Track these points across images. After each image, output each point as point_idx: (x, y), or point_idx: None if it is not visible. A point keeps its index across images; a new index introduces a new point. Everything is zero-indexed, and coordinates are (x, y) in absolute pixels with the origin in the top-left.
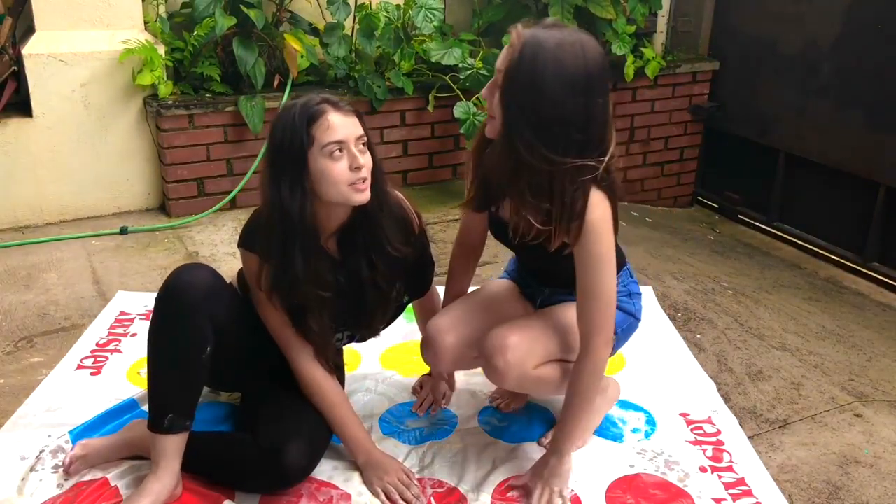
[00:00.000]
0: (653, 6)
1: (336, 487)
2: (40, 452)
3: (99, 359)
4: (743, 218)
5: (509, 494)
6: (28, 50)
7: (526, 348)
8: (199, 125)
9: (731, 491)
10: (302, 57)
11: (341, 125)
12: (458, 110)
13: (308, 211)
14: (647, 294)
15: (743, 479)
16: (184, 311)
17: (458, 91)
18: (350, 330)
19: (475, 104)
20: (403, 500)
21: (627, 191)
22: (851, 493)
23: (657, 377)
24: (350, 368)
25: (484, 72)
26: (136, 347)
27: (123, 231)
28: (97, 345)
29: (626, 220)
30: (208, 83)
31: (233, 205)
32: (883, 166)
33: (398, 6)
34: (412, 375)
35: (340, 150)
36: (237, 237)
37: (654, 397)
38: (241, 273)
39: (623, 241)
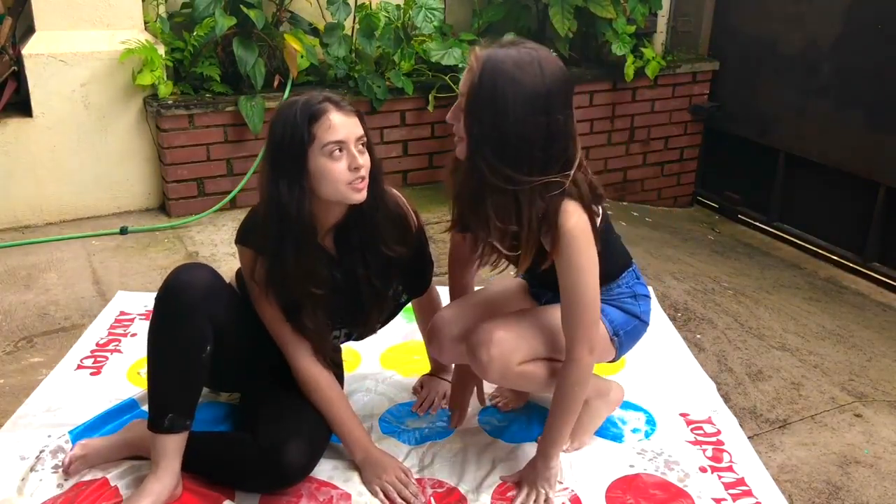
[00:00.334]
0: (653, 6)
1: (336, 487)
2: (40, 452)
3: (99, 359)
4: (743, 218)
5: (509, 494)
6: (28, 50)
7: (512, 344)
8: (199, 125)
9: (731, 491)
10: (302, 57)
11: (342, 125)
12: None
13: (305, 208)
14: (646, 285)
15: (743, 479)
16: (183, 310)
17: (458, 91)
18: (347, 328)
19: None
20: (402, 498)
21: (627, 191)
22: (851, 493)
23: (657, 377)
24: (350, 368)
25: None
26: (136, 347)
27: (123, 231)
28: (97, 345)
29: (626, 220)
30: (208, 83)
31: (233, 205)
32: (883, 166)
33: (398, 6)
34: (412, 375)
35: (340, 150)
36: None
37: (654, 397)
38: (239, 272)
39: (623, 241)
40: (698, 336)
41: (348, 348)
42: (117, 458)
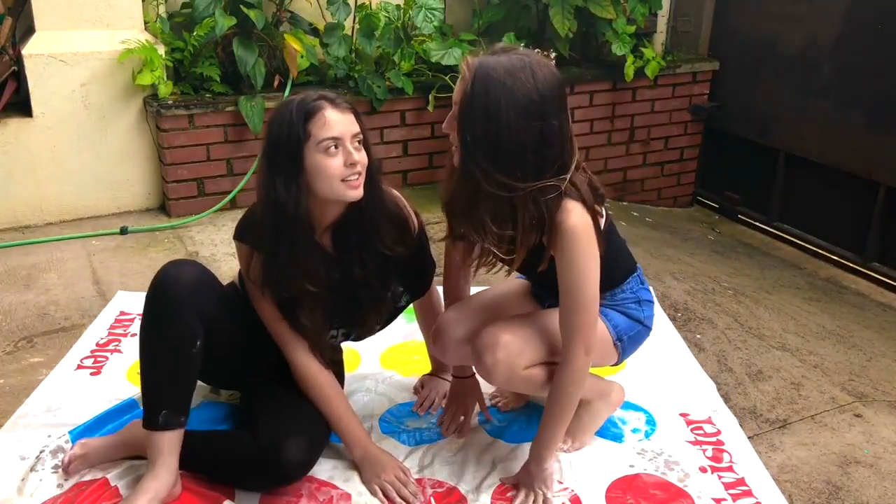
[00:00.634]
0: (653, 6)
1: (336, 487)
2: (40, 452)
3: (99, 359)
4: (743, 218)
5: (509, 494)
6: (28, 50)
7: (517, 347)
8: (199, 125)
9: (731, 491)
10: (302, 57)
11: (337, 122)
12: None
13: (302, 206)
14: (650, 290)
15: (743, 479)
16: (171, 306)
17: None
18: (345, 328)
19: None
20: (401, 497)
21: (627, 191)
22: (851, 493)
23: (657, 377)
24: (350, 368)
25: None
26: (136, 347)
27: (123, 231)
28: (97, 345)
29: (626, 220)
30: (208, 83)
31: (233, 205)
32: (883, 166)
33: (398, 6)
34: (412, 375)
35: (336, 147)
36: None
37: (654, 397)
38: (241, 272)
39: (624, 241)
40: (698, 336)
41: (348, 348)
42: (117, 458)
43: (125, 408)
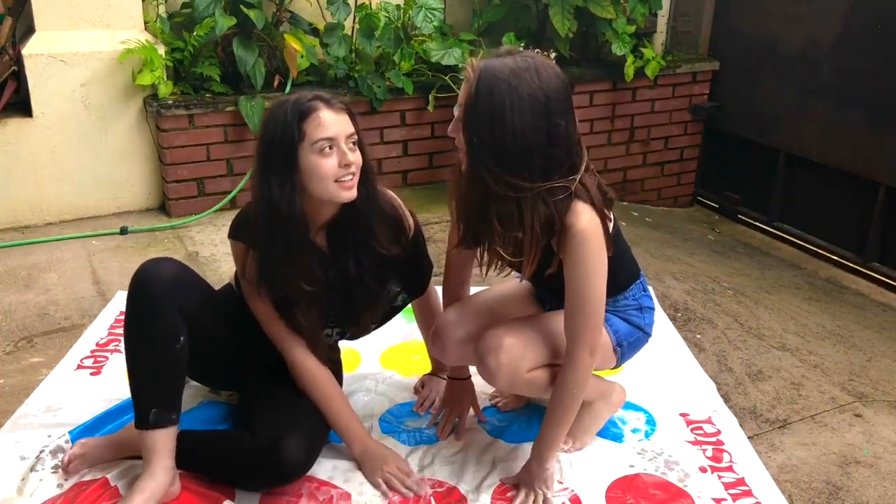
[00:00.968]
0: (653, 6)
1: (336, 487)
2: (40, 452)
3: (99, 359)
4: (743, 218)
5: (509, 494)
6: (28, 50)
7: (520, 350)
8: (199, 125)
9: (731, 491)
10: (302, 57)
11: (332, 122)
12: (457, 110)
13: (296, 206)
14: (652, 297)
15: (743, 479)
16: (151, 303)
17: (458, 91)
18: (340, 327)
19: None
20: (406, 487)
21: (627, 191)
22: (851, 493)
23: (657, 377)
24: (350, 368)
25: None
26: None
27: (123, 231)
28: (97, 345)
29: (626, 220)
30: (208, 83)
31: (233, 205)
32: (883, 166)
33: (398, 6)
34: (412, 375)
35: (330, 147)
36: None
37: (654, 397)
38: (236, 273)
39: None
40: (698, 336)
41: (348, 348)
42: (117, 458)
43: (125, 408)
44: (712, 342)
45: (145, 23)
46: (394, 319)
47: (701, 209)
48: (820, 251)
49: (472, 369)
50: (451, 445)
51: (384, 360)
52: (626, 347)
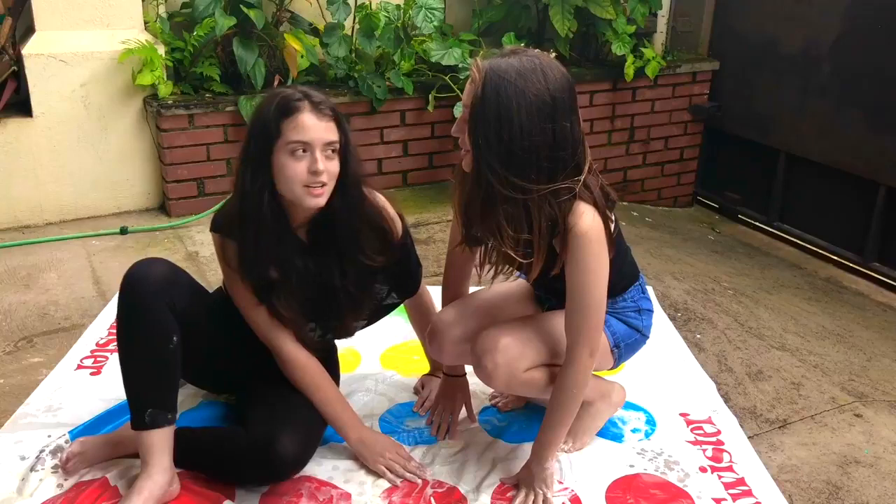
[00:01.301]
0: (653, 6)
1: (336, 487)
2: (40, 452)
3: (99, 359)
4: (743, 218)
5: (509, 494)
6: (28, 50)
7: (517, 351)
8: (199, 125)
9: (731, 491)
10: (302, 57)
11: (312, 127)
12: (458, 110)
13: (265, 200)
14: (651, 299)
15: (743, 479)
16: (143, 303)
17: (458, 91)
18: (321, 328)
19: None
20: (409, 472)
21: (627, 191)
22: (851, 493)
23: (657, 377)
24: (350, 368)
25: None
26: None
27: (123, 231)
28: (97, 345)
29: (626, 220)
30: (208, 83)
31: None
32: (883, 166)
33: (398, 6)
34: (412, 375)
35: (304, 151)
36: None
37: (654, 397)
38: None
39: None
40: (698, 336)
41: (348, 348)
42: (116, 456)
43: (125, 407)
44: (712, 342)
45: (145, 23)
46: (394, 319)
47: (701, 209)
48: (820, 251)
49: (469, 368)
50: (451, 445)
51: (384, 361)
52: (623, 349)
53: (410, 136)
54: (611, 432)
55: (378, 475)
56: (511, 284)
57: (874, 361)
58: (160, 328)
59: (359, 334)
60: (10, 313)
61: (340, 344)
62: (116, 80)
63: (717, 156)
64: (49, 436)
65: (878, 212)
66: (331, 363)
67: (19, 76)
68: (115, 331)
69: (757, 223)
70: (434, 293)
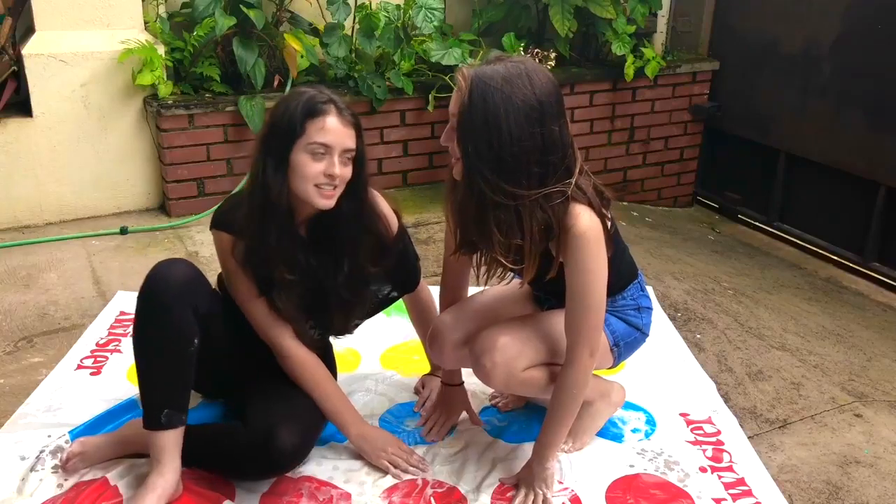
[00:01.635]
0: (653, 6)
1: (336, 487)
2: (40, 452)
3: (99, 359)
4: (743, 218)
5: (509, 494)
6: (28, 50)
7: (516, 350)
8: (199, 125)
9: (731, 491)
10: (302, 57)
11: (334, 131)
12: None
13: (284, 192)
14: (650, 297)
15: (743, 479)
16: (167, 304)
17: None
18: (318, 325)
19: None
20: (412, 466)
21: (627, 191)
22: (851, 493)
23: (657, 377)
24: (350, 368)
25: None
26: None
27: (123, 231)
28: (97, 345)
29: (626, 220)
30: (208, 83)
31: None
32: (883, 166)
33: (398, 6)
34: (412, 375)
35: (323, 153)
36: None
37: (654, 397)
38: (220, 275)
39: (623, 242)
40: (698, 336)
41: (348, 348)
42: (116, 456)
43: (125, 408)
44: (712, 342)
45: (145, 23)
46: (394, 319)
47: (701, 209)
48: (820, 251)
49: (466, 372)
50: (451, 445)
51: (384, 361)
52: (623, 347)
53: (410, 136)
54: (611, 432)
55: (378, 474)
56: (510, 286)
57: (874, 361)
58: (183, 330)
59: (359, 334)
60: (10, 313)
61: (340, 344)
62: (116, 80)
63: (717, 156)
64: (49, 436)
65: (878, 212)
66: (327, 361)
67: (19, 76)
68: (115, 331)
69: (757, 223)
70: (434, 293)
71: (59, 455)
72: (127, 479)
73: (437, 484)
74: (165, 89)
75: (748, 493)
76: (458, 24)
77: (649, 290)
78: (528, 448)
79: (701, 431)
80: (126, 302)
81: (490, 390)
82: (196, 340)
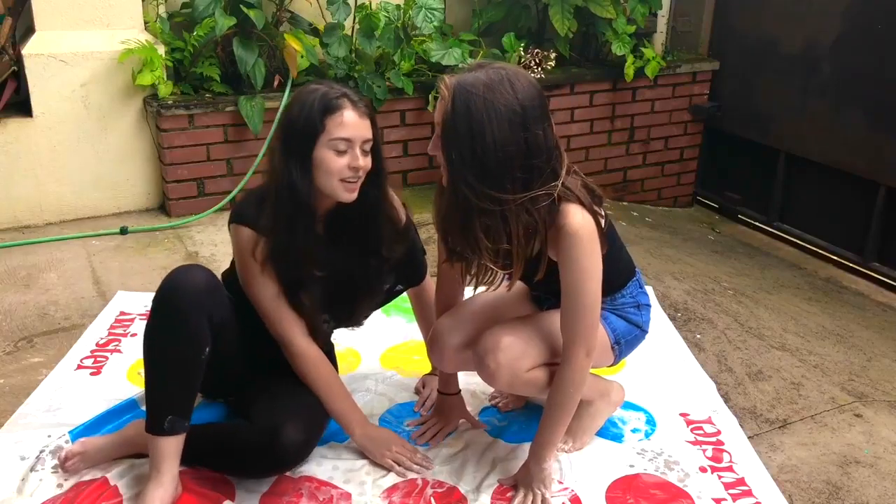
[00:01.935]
0: (653, 6)
1: (336, 487)
2: (40, 452)
3: (99, 359)
4: (743, 218)
5: (509, 495)
6: (28, 50)
7: (519, 350)
8: (199, 125)
9: (731, 491)
10: (302, 57)
11: (353, 124)
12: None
13: (310, 191)
14: (648, 294)
15: (743, 479)
16: (183, 311)
17: None
18: (335, 318)
19: None
20: (416, 464)
21: (627, 191)
22: (851, 493)
23: (657, 377)
24: (350, 368)
25: None
26: (136, 347)
27: (123, 231)
28: (97, 345)
29: (626, 220)
30: (208, 83)
31: (233, 205)
32: (883, 166)
33: (398, 6)
34: (413, 375)
35: (345, 149)
36: None
37: (654, 397)
38: (225, 273)
39: (623, 241)
40: (698, 336)
41: (348, 348)
42: (117, 457)
43: (125, 408)
44: (712, 342)
45: (145, 23)
46: (394, 319)
47: (701, 209)
48: (820, 251)
49: (466, 373)
50: (451, 445)
51: (384, 360)
52: (623, 345)
53: (410, 136)
54: (611, 432)
55: (379, 473)
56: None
57: (874, 361)
58: (196, 338)
59: (359, 334)
60: (10, 313)
61: (340, 344)
62: (116, 80)
63: (717, 156)
64: (49, 436)
65: (878, 212)
66: (330, 356)
67: (19, 76)
68: (115, 331)
69: (757, 223)
70: None
71: (59, 455)
72: (127, 479)
73: (437, 484)
74: (165, 89)
75: (748, 493)
76: (458, 24)
77: (647, 287)
78: (528, 448)
79: (701, 431)
80: (126, 302)
81: (490, 390)
82: (207, 349)
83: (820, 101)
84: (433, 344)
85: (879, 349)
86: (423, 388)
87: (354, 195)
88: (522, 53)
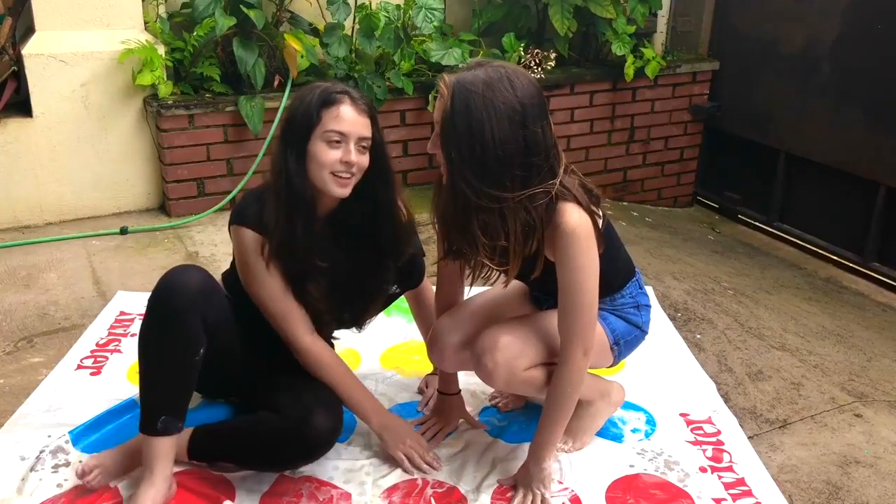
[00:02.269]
0: (653, 6)
1: (336, 487)
2: (40, 452)
3: (99, 359)
4: (743, 218)
5: (508, 495)
6: (28, 50)
7: (517, 349)
8: (199, 125)
9: (731, 491)
10: (302, 57)
11: (349, 119)
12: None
13: (307, 182)
14: (648, 294)
15: (743, 479)
16: (178, 312)
17: None
18: (338, 317)
19: None
20: (426, 463)
21: (627, 191)
22: (851, 493)
23: (657, 377)
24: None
25: None
26: (136, 347)
27: (123, 231)
28: (97, 345)
29: (626, 220)
30: (208, 83)
31: (233, 205)
32: (883, 166)
33: (398, 6)
34: (413, 375)
35: (339, 142)
36: None
37: (654, 397)
38: (225, 274)
39: (623, 241)
40: (698, 336)
41: (349, 348)
42: (136, 467)
43: (125, 408)
44: (712, 342)
45: (145, 23)
46: (394, 320)
47: (701, 209)
48: (820, 251)
49: (466, 372)
50: (451, 445)
51: (384, 360)
52: (622, 346)
53: (410, 136)
54: (611, 432)
55: (379, 473)
56: (508, 286)
57: (874, 361)
58: (190, 339)
59: (359, 334)
60: (10, 313)
61: (340, 344)
62: (116, 80)
63: (717, 156)
64: (49, 436)
65: (878, 212)
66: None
67: (19, 76)
68: (115, 331)
69: (757, 223)
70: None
71: (59, 455)
72: (127, 480)
73: (437, 484)
74: (165, 89)
75: (748, 494)
76: (458, 24)
77: (647, 287)
78: (527, 448)
79: (701, 431)
80: (126, 302)
81: (490, 390)
82: (202, 350)
83: (820, 101)
84: (433, 344)
85: (879, 349)
86: (426, 388)
87: (346, 191)
88: (522, 53)
